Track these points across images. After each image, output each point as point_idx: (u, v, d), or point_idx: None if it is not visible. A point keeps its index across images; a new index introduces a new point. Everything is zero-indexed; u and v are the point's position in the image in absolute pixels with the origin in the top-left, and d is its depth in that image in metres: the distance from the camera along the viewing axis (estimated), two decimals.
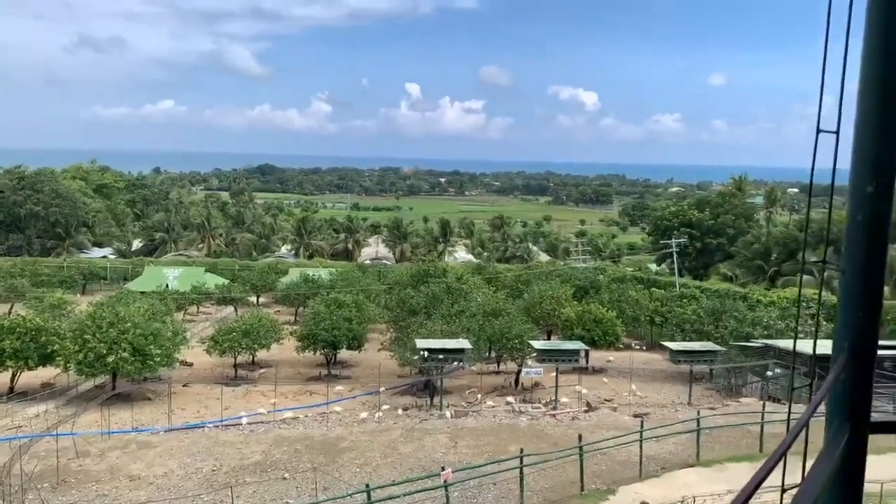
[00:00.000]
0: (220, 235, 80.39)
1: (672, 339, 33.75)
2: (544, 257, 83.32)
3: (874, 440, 2.21)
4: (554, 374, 27.09)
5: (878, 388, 24.95)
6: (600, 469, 18.86)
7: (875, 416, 2.23)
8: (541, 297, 37.34)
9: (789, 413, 2.41)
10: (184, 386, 29.81)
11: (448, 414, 25.22)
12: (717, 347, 29.72)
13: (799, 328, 27.90)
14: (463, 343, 27.82)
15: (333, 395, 28.28)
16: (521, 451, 17.68)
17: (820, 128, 2.17)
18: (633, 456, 18.97)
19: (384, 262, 74.70)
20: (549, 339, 35.63)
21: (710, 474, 17.87)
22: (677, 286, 46.16)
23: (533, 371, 28.29)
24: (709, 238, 62.20)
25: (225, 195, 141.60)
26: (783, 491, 1.96)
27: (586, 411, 25.88)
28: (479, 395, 28.30)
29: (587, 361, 31.81)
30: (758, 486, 1.36)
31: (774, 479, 1.76)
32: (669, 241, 53.11)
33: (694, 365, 28.68)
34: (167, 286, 48.18)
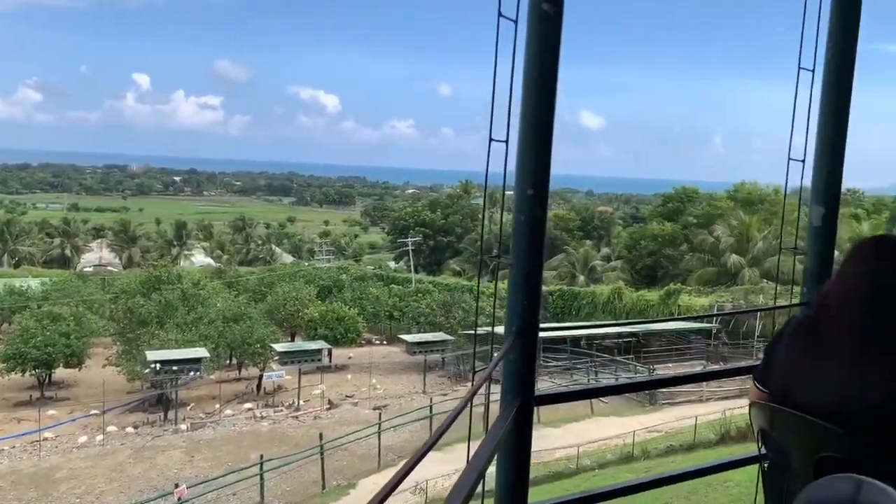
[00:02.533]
0: None
1: (409, 332, 35.37)
2: (289, 258, 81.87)
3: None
4: (298, 375, 26.79)
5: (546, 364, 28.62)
6: (342, 465, 19.08)
7: (538, 390, 2.53)
8: (284, 299, 36.68)
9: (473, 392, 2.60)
10: None
11: (184, 427, 23.62)
12: (448, 337, 31.77)
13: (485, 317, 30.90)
14: (200, 352, 26.25)
15: (47, 419, 24.84)
16: (262, 456, 17.21)
17: (492, 137, 2.39)
18: (373, 448, 19.50)
19: (109, 268, 67.61)
20: (293, 340, 35.14)
21: (442, 456, 18.97)
22: (413, 282, 48.49)
23: (275, 374, 27.69)
24: (441, 236, 66.22)
25: None
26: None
27: (329, 409, 26.01)
28: (219, 405, 26.93)
29: (330, 360, 31.97)
30: (414, 465, 1.45)
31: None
32: (406, 240, 55.69)
33: (428, 355, 30.37)
34: None
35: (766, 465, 2.21)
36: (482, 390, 2.50)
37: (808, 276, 2.86)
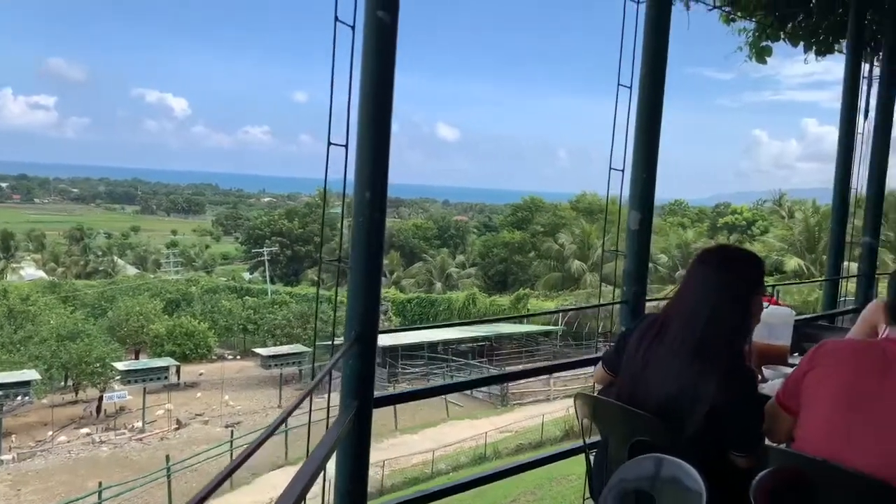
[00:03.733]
0: None
1: (264, 345, 34.20)
2: (132, 270, 76.32)
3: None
4: (142, 395, 25.01)
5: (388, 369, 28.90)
6: (190, 487, 18.02)
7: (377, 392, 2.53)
8: (127, 314, 34.18)
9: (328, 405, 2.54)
10: None
11: (9, 458, 21.28)
12: (305, 349, 31.07)
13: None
14: (29, 374, 23.81)
15: None
16: (100, 484, 15.89)
17: (330, 141, 2.36)
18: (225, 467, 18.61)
19: None
20: (137, 358, 32.77)
21: (294, 470, 18.55)
22: (269, 293, 46.99)
23: (116, 395, 25.68)
24: (299, 246, 64.73)
25: None
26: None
27: (176, 429, 24.51)
28: (52, 431, 24.53)
29: (179, 377, 30.16)
30: (234, 470, 1.39)
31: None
32: (262, 250, 53.86)
33: (284, 368, 29.50)
34: None
35: (591, 453, 2.36)
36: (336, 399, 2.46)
37: (627, 276, 3.09)
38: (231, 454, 18.64)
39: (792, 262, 28.97)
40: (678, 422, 1.91)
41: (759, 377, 2.55)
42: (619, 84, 3.19)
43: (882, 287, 4.60)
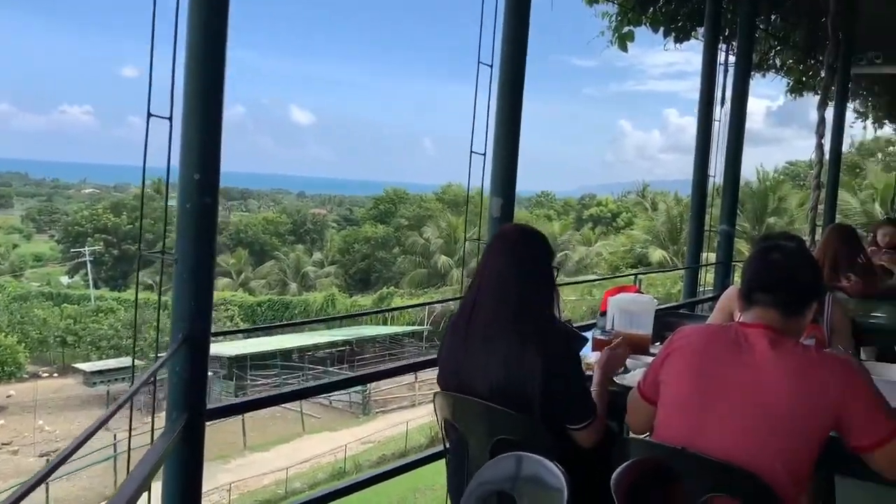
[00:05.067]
0: None
1: (87, 360, 32.00)
2: None
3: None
4: None
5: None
6: None
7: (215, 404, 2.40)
8: None
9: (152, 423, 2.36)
10: None
11: None
12: (137, 361, 29.34)
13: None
14: None
15: None
16: None
17: (151, 112, 2.18)
18: (40, 503, 17.19)
19: None
20: None
21: None
22: (92, 299, 43.96)
23: None
24: (127, 244, 60.94)
25: None
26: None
27: None
28: None
29: None
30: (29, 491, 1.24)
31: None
32: (82, 250, 50.16)
33: (112, 384, 27.72)
34: None
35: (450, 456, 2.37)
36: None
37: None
38: (47, 488, 17.21)
39: (656, 254, 31.13)
40: (524, 408, 2.02)
41: (622, 368, 2.68)
42: (479, 62, 3.23)
43: (738, 274, 5.02)
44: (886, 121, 10.88)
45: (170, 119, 2.15)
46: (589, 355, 2.62)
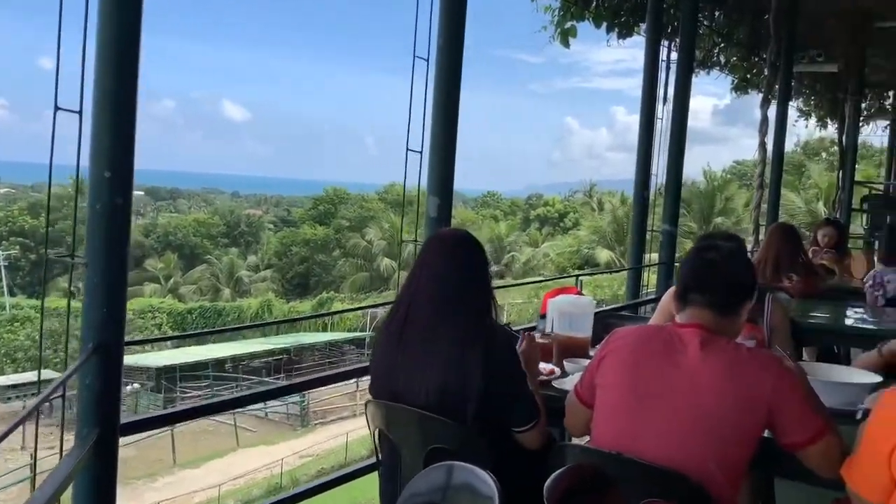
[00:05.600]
0: None
1: (2, 373, 30.88)
2: None
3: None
4: None
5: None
6: None
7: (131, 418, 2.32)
8: None
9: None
10: None
11: None
12: (52, 374, 28.45)
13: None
14: None
15: None
16: None
17: (59, 106, 2.11)
18: None
19: None
20: None
21: None
22: (7, 307, 42.40)
23: None
24: (48, 248, 58.98)
25: None
26: None
27: None
28: None
29: None
30: None
31: None
32: None
33: (28, 399, 26.79)
34: None
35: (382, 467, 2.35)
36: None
37: None
38: None
39: (603, 255, 31.70)
40: (460, 413, 2.03)
41: (559, 371, 2.72)
42: (414, 56, 3.23)
43: None
44: (828, 119, 11.30)
45: (79, 113, 2.08)
46: None
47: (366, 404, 2.27)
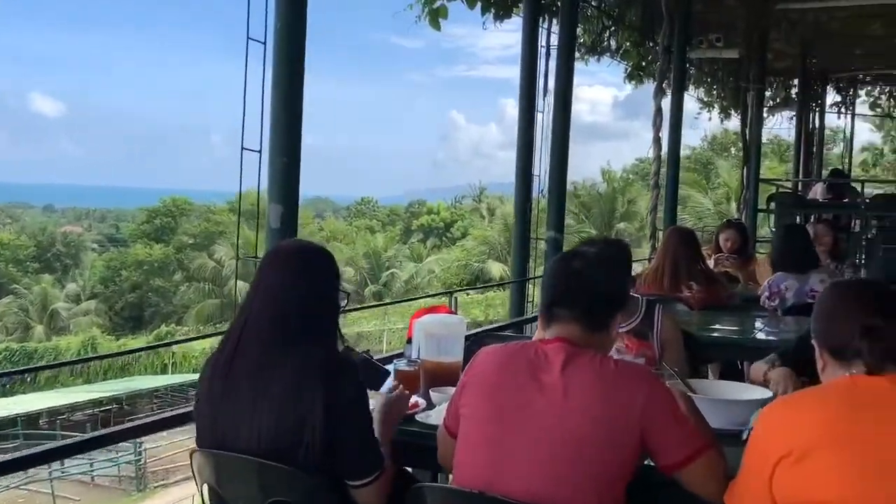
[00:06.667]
0: None
1: None
2: None
3: None
4: None
5: None
6: None
7: None
8: None
9: None
10: None
11: None
12: None
13: None
14: None
15: None
16: None
17: None
18: None
19: None
20: None
21: None
22: None
23: None
24: None
25: None
26: None
27: None
28: None
29: None
30: None
31: None
32: None
33: None
34: None
35: None
36: None
37: None
38: None
39: (495, 268, 32.29)
40: (300, 461, 2.01)
41: (425, 403, 2.75)
42: (248, 37, 3.22)
43: None
44: (732, 110, 11.98)
45: None
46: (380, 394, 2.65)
47: (191, 454, 2.23)
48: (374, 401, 2.42)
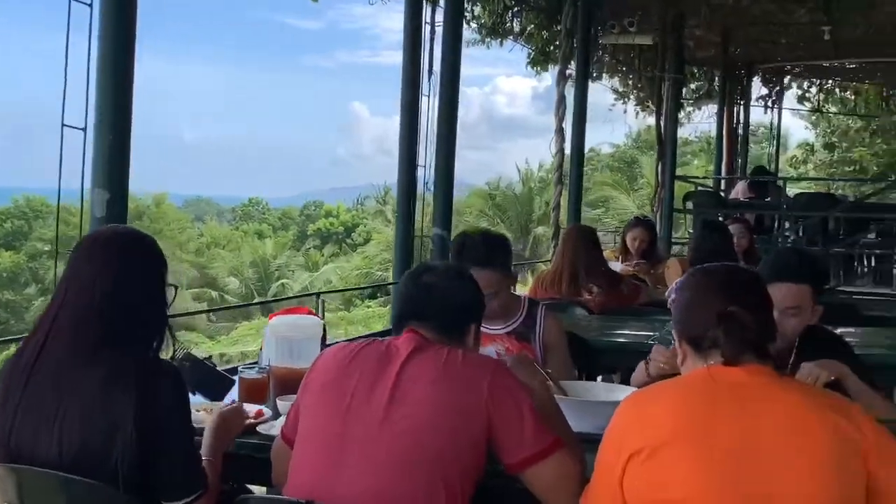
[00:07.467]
0: None
1: None
2: None
3: None
4: None
5: None
6: None
7: None
8: None
9: None
10: None
11: None
12: None
13: None
14: None
15: None
16: None
17: None
18: None
19: None
20: None
21: None
22: None
23: None
24: None
25: None
26: None
27: None
28: None
29: None
30: None
31: None
32: None
33: None
34: None
35: None
36: None
37: None
38: None
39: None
40: (108, 475, 1.96)
41: (271, 413, 2.71)
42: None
43: None
44: (649, 102, 12.17)
45: None
46: (220, 405, 2.62)
47: None
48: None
